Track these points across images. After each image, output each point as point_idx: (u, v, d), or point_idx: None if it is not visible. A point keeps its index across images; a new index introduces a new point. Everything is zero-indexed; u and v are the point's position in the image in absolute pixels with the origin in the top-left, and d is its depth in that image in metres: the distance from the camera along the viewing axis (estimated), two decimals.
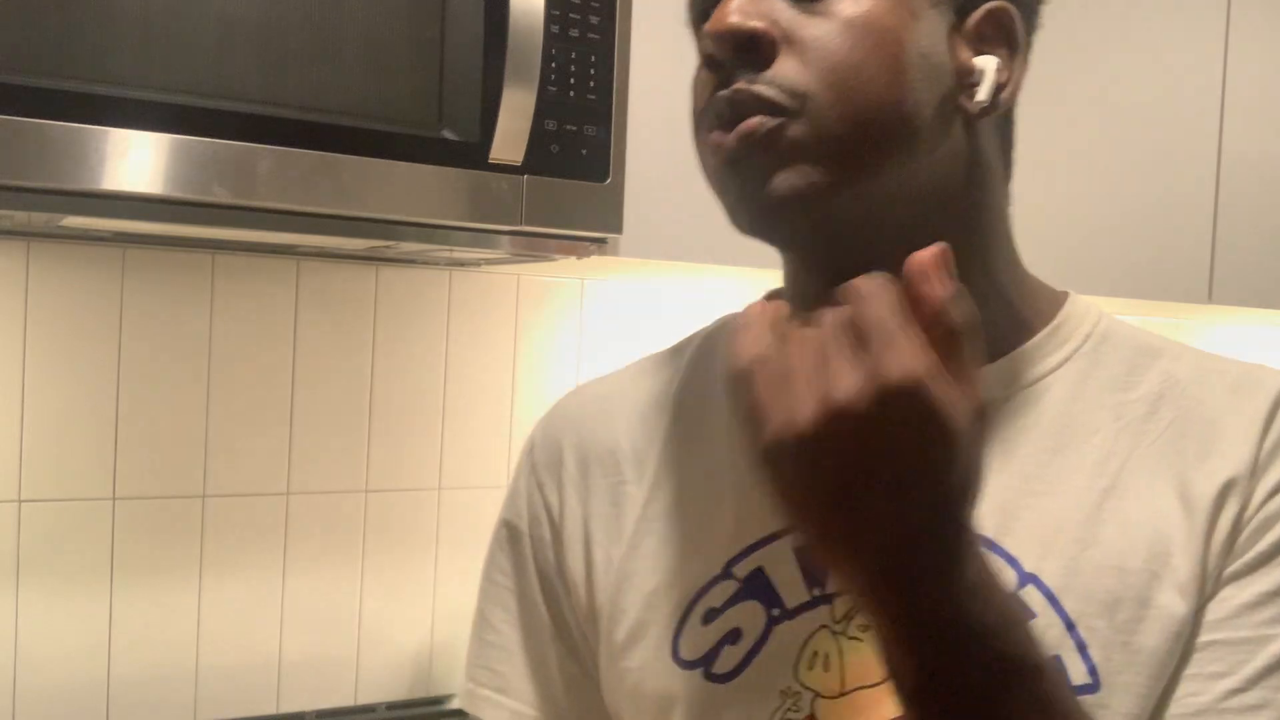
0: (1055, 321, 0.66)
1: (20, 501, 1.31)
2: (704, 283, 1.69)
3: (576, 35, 1.11)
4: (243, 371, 1.41)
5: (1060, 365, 0.65)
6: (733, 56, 0.59)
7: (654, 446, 0.70)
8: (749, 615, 0.63)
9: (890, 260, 0.56)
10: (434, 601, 1.54)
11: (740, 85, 0.59)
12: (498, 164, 1.07)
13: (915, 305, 0.48)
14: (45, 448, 1.31)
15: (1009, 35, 0.62)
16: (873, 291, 0.48)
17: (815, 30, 0.58)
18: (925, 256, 0.49)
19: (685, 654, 0.64)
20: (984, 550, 0.50)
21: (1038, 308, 0.67)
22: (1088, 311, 0.68)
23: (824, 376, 0.47)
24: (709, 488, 0.67)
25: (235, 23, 0.98)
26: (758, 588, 0.64)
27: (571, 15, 1.10)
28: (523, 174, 1.09)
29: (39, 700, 1.32)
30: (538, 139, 1.08)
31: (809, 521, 0.50)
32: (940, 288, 0.48)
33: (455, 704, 1.50)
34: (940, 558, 0.48)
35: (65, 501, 1.33)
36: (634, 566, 0.67)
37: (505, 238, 1.14)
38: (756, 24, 0.58)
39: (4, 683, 1.30)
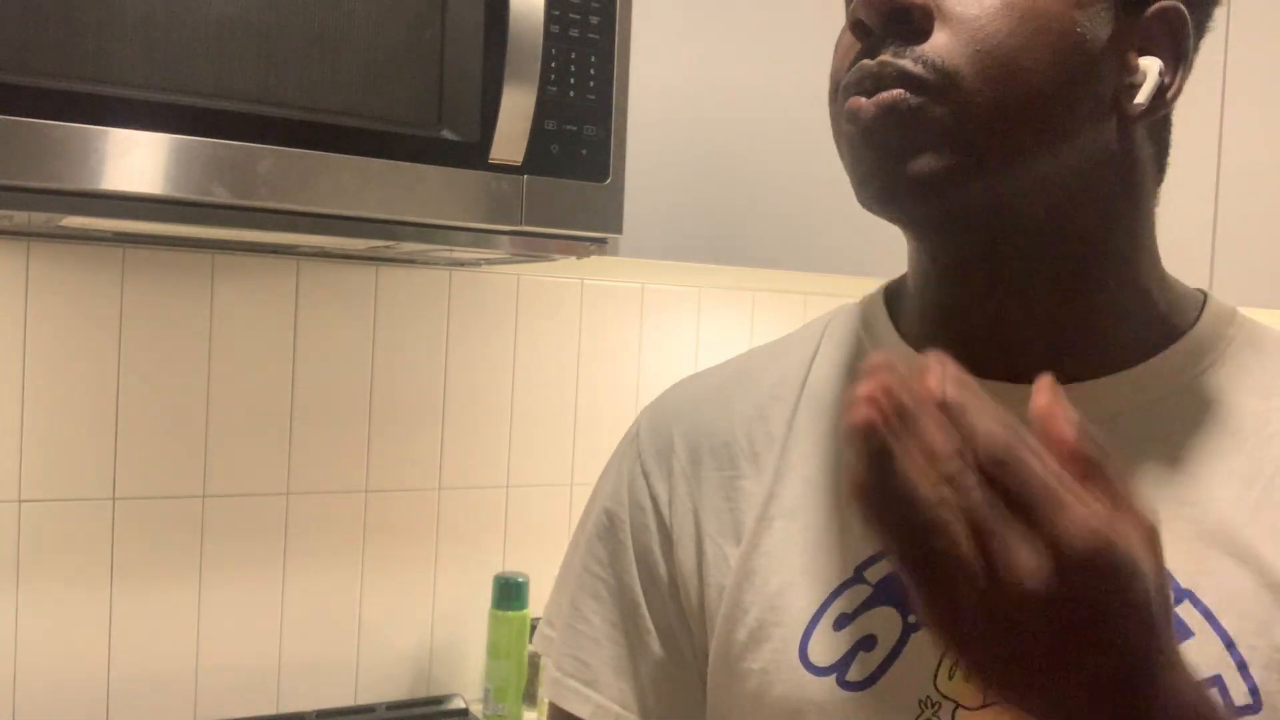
0: (1197, 325, 0.63)
1: (20, 501, 1.31)
2: (703, 283, 1.69)
3: (576, 35, 1.11)
4: (243, 371, 1.41)
5: (1205, 370, 0.62)
6: (884, 26, 0.56)
7: (772, 442, 0.67)
8: (884, 622, 0.61)
9: (1019, 252, 0.56)
10: (434, 601, 1.54)
11: (886, 57, 0.56)
12: (498, 164, 1.07)
13: (1050, 446, 0.44)
14: (45, 448, 1.31)
15: (1177, 37, 0.59)
16: (1018, 450, 0.43)
17: (974, 8, 0.55)
18: (1046, 395, 0.45)
19: (816, 660, 0.62)
20: (1189, 676, 0.47)
21: (1180, 310, 0.64)
22: (1225, 313, 0.65)
23: (1000, 554, 0.42)
24: (834, 487, 0.64)
25: (235, 23, 0.98)
26: (893, 593, 0.61)
27: (571, 15, 1.10)
28: (523, 174, 1.09)
29: (39, 700, 1.32)
30: (538, 139, 1.08)
31: (1002, 691, 0.46)
32: (1072, 424, 0.44)
33: (456, 704, 1.51)
34: (1147, 704, 0.45)
35: (65, 501, 1.33)
36: (755, 565, 0.65)
37: (505, 238, 1.14)
38: None
39: (4, 683, 1.30)
